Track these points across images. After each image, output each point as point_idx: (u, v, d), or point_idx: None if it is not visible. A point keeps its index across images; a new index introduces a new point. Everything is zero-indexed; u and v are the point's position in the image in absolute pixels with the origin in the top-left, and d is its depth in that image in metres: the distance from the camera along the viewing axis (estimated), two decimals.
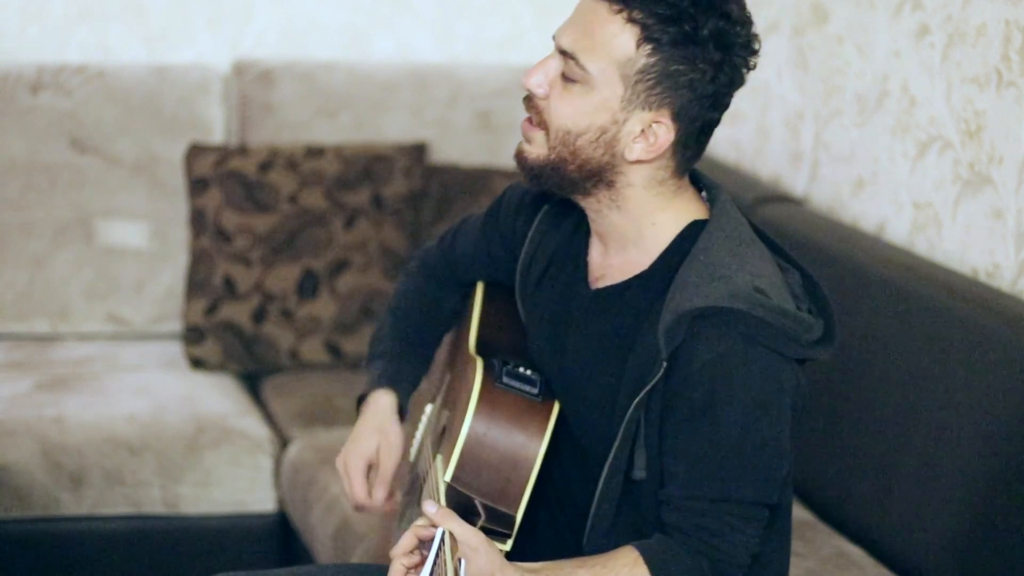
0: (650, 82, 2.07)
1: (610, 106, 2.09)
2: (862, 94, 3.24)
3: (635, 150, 2.10)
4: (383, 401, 2.45)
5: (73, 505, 3.39)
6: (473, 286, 2.50)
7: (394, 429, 2.44)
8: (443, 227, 3.86)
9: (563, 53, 2.10)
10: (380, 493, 2.42)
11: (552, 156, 2.13)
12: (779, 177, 3.59)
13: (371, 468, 2.44)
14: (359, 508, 2.46)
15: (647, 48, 2.06)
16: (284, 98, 4.02)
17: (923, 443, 2.70)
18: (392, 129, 4.04)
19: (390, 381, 2.47)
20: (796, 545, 2.61)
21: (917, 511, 2.69)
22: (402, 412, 2.46)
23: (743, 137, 3.73)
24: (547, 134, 2.13)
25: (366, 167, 3.87)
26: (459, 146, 4.08)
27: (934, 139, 3.00)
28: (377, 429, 2.44)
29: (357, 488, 2.43)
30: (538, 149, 2.14)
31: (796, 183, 3.52)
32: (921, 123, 3.04)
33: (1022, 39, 2.74)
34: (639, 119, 2.09)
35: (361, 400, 2.49)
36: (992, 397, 2.57)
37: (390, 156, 3.90)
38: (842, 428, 2.90)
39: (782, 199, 3.43)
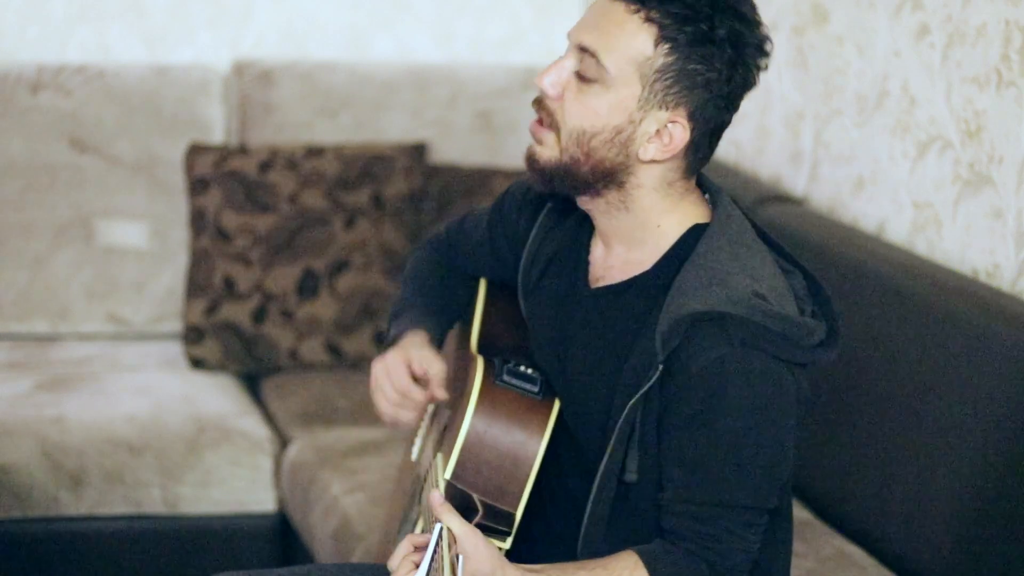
0: (668, 81, 2.08)
1: (627, 105, 2.09)
2: (862, 94, 3.24)
3: (649, 150, 2.11)
4: (417, 335, 2.41)
5: (73, 505, 3.39)
6: (477, 279, 2.50)
7: (433, 349, 2.40)
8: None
9: (583, 50, 2.09)
10: (441, 392, 2.35)
11: (565, 157, 2.12)
12: (779, 177, 3.59)
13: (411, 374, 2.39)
14: (394, 420, 2.39)
15: (665, 47, 2.07)
16: (284, 98, 4.02)
17: (923, 443, 2.70)
18: (392, 129, 4.04)
19: (422, 324, 2.43)
20: (796, 545, 2.61)
21: (917, 511, 2.69)
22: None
23: (743, 137, 3.73)
24: (558, 135, 2.12)
25: (366, 167, 3.88)
26: (459, 146, 4.08)
27: (934, 139, 3.00)
28: (413, 344, 2.39)
29: (402, 381, 2.36)
30: (549, 151, 2.14)
31: (796, 183, 3.52)
32: (921, 123, 3.04)
33: (1022, 39, 2.74)
34: (655, 119, 2.09)
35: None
36: (992, 397, 2.57)
37: (390, 156, 3.90)
38: (842, 428, 2.90)
39: (782, 199, 3.43)
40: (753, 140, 3.71)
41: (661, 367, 2.04)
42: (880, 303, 2.86)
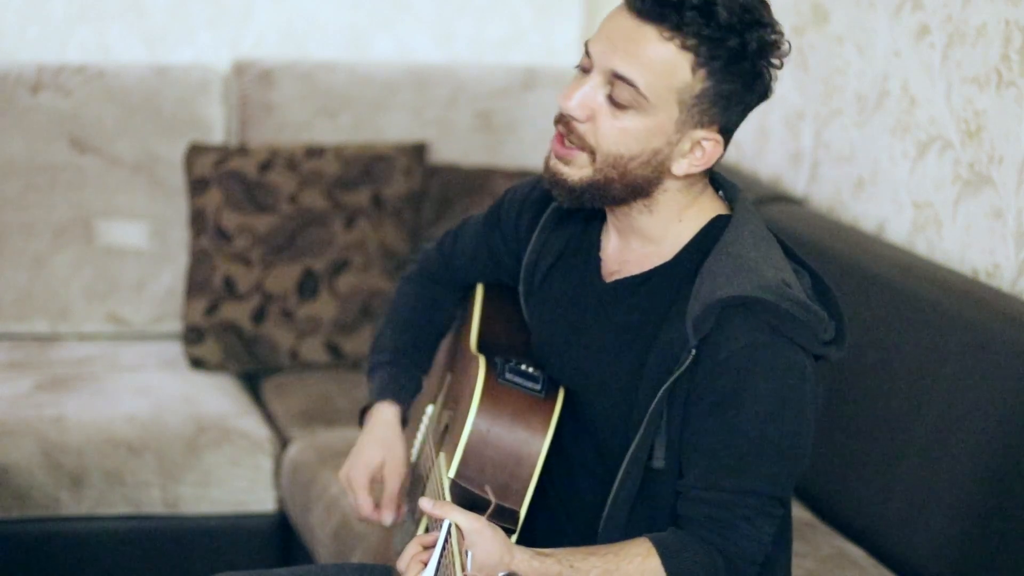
0: (705, 104, 2.09)
1: (665, 129, 2.09)
2: (862, 94, 3.24)
3: (683, 165, 2.12)
4: (387, 414, 2.46)
5: (73, 505, 3.39)
6: (472, 288, 2.51)
7: (399, 443, 2.45)
8: (443, 227, 3.87)
9: (617, 77, 2.07)
10: (388, 512, 2.44)
11: (598, 176, 2.12)
12: (779, 177, 3.59)
13: (374, 481, 2.45)
14: (364, 520, 2.47)
15: (702, 72, 2.07)
16: (284, 98, 4.02)
17: (923, 443, 2.70)
18: (392, 129, 4.04)
19: (392, 392, 2.48)
20: (796, 545, 2.61)
21: (917, 511, 2.69)
22: (404, 421, 2.48)
23: (743, 137, 3.73)
24: (592, 156, 2.11)
25: (366, 167, 3.88)
26: (459, 146, 4.08)
27: (934, 139, 3.00)
28: (381, 443, 2.44)
29: (362, 501, 2.44)
30: (581, 171, 2.12)
31: (796, 183, 3.52)
32: (921, 123, 3.04)
33: (1022, 39, 2.74)
34: (690, 137, 2.11)
35: (364, 412, 2.50)
36: (992, 397, 2.57)
37: (390, 156, 3.90)
38: (842, 428, 2.90)
39: (782, 199, 3.43)
40: (753, 140, 3.71)
41: (694, 352, 2.06)
42: (880, 303, 2.86)
